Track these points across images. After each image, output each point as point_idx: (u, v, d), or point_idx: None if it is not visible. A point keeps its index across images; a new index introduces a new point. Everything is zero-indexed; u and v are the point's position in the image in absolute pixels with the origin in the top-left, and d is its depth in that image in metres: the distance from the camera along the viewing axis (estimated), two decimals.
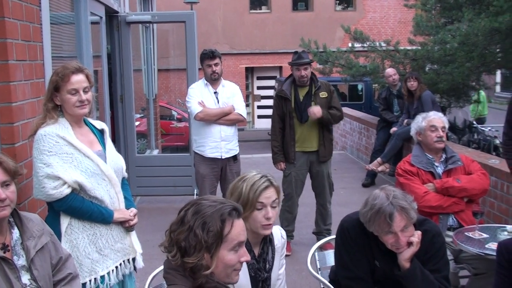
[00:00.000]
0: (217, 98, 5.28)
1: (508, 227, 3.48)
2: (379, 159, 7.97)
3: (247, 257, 1.92)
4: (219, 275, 1.87)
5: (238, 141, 5.47)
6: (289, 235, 5.46)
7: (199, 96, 5.26)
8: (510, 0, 7.63)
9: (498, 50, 9.07)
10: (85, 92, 2.82)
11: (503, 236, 3.36)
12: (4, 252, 2.18)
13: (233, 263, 1.87)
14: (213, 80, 5.26)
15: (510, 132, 4.09)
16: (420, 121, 4.00)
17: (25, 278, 2.23)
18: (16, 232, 2.28)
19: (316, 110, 5.15)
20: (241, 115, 5.30)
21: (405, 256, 2.59)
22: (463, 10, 8.60)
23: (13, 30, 3.13)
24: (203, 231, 1.80)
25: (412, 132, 4.07)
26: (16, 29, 3.17)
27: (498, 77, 21.95)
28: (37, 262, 2.27)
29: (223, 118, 5.23)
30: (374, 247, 2.69)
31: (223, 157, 5.27)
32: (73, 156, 2.74)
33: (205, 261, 1.81)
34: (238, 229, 1.87)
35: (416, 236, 2.60)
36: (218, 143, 5.25)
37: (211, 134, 5.24)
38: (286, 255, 5.32)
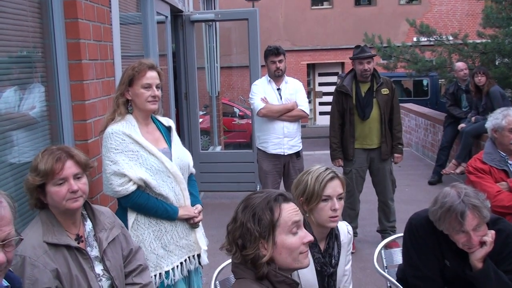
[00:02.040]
0: (280, 94, 5.28)
1: None
2: (454, 160, 7.71)
3: (310, 237, 1.91)
4: (285, 261, 1.87)
5: (301, 137, 5.45)
6: (353, 232, 5.39)
7: (262, 92, 5.28)
8: None
9: None
10: (157, 88, 2.91)
11: None
12: (78, 243, 2.27)
13: (296, 245, 1.87)
14: (276, 76, 5.27)
15: None
16: (500, 118, 3.75)
17: (98, 268, 2.31)
18: (89, 224, 2.37)
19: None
20: (303, 111, 5.28)
21: (477, 256, 2.50)
22: None
23: (86, 30, 3.25)
24: (254, 223, 1.83)
25: (488, 126, 3.87)
26: (88, 30, 3.30)
27: None
28: (109, 253, 2.35)
29: (285, 114, 5.22)
30: (444, 246, 2.61)
31: (285, 154, 5.27)
32: (139, 154, 2.81)
33: (263, 250, 1.83)
34: (288, 211, 1.88)
35: (490, 236, 2.50)
36: (281, 139, 5.25)
37: (274, 131, 5.24)
38: (351, 252, 5.27)
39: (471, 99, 7.70)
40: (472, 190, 2.53)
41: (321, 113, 21.78)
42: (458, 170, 7.60)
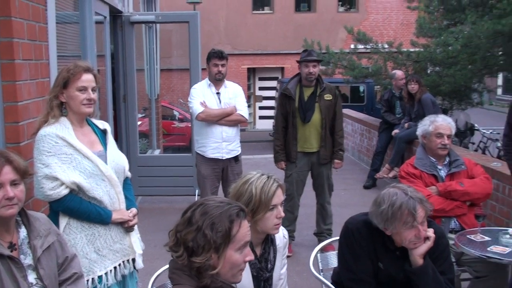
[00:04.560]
0: (219, 98, 5.29)
1: (510, 230, 3.48)
2: (387, 165, 7.98)
3: (251, 256, 1.95)
4: (225, 275, 1.88)
5: (240, 141, 5.48)
6: (290, 236, 5.47)
7: (201, 96, 5.27)
8: None
9: (500, 52, 9.08)
10: (93, 91, 2.85)
11: (505, 239, 3.38)
12: (11, 251, 2.19)
13: (239, 262, 1.90)
14: (217, 80, 5.27)
15: (511, 134, 4.11)
16: (427, 125, 3.96)
17: (31, 277, 2.24)
18: (23, 231, 2.29)
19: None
20: (243, 116, 5.31)
21: (420, 251, 2.62)
22: (466, 13, 8.61)
23: (20, 29, 3.15)
24: (212, 231, 1.82)
25: (418, 133, 4.05)
26: (23, 29, 3.19)
27: (500, 79, 21.93)
28: (44, 261, 2.28)
29: (224, 118, 5.23)
30: (379, 248, 2.71)
31: (224, 158, 5.28)
32: (72, 157, 2.74)
33: (212, 261, 1.83)
34: (245, 230, 1.90)
35: (431, 232, 2.64)
36: (220, 143, 5.26)
37: (213, 135, 5.24)
38: (288, 256, 5.33)
39: (404, 106, 7.99)
40: (412, 187, 2.68)
41: (261, 117, 21.93)
42: (391, 175, 7.87)
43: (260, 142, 16.99)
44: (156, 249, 4.11)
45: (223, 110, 5.25)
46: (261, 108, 22.15)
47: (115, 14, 6.74)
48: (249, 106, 22.12)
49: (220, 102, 5.28)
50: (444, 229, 3.69)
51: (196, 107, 5.21)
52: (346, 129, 11.46)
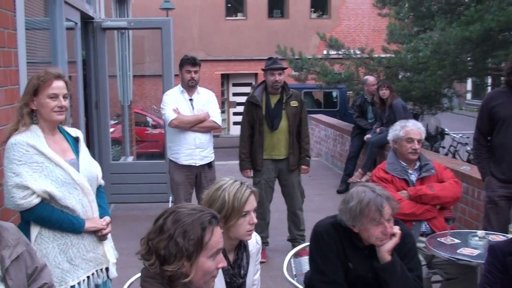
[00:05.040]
0: (192, 105, 5.28)
1: (479, 232, 3.56)
2: (360, 170, 8.06)
3: (224, 263, 1.95)
4: (197, 282, 1.88)
5: (213, 148, 5.47)
6: (264, 242, 5.48)
7: (174, 103, 5.25)
8: (480, 10, 7.82)
9: (469, 58, 9.28)
10: (64, 98, 2.82)
11: (474, 241, 3.44)
12: None
13: (212, 270, 1.89)
14: (189, 87, 5.26)
15: (480, 138, 4.22)
16: (398, 130, 4.02)
17: None
18: None
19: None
20: (215, 122, 5.30)
21: (387, 248, 2.68)
22: (436, 19, 8.79)
23: None
24: (184, 239, 1.80)
25: (389, 138, 4.11)
26: None
27: (469, 85, 22.38)
28: (12, 272, 2.24)
29: (197, 125, 5.22)
30: (348, 248, 2.76)
31: (197, 164, 5.27)
32: (44, 165, 2.71)
33: (184, 269, 1.82)
34: (217, 237, 1.89)
35: (397, 229, 2.70)
36: (193, 150, 5.25)
37: (186, 141, 5.23)
38: (261, 262, 5.32)
39: (376, 111, 8.10)
40: (380, 187, 2.77)
41: (235, 123, 21.92)
42: (363, 179, 7.95)
43: (234, 148, 16.93)
44: (130, 257, 4.05)
45: (196, 116, 5.24)
46: (235, 114, 22.18)
47: (86, 20, 6.68)
48: (223, 112, 22.15)
49: (193, 108, 5.27)
50: (415, 233, 3.77)
51: (169, 114, 5.19)
52: (320, 135, 11.54)
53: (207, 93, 5.44)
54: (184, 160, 5.25)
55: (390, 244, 2.69)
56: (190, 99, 5.29)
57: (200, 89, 5.38)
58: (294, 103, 5.37)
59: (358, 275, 2.76)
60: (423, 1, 9.74)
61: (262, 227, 5.46)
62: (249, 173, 5.42)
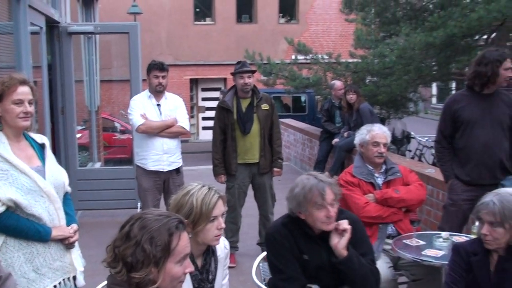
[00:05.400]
0: (159, 110, 5.26)
1: (443, 234, 3.64)
2: (327, 173, 8.12)
3: (191, 267, 1.95)
4: None
5: (183, 153, 5.45)
6: (234, 246, 5.49)
7: (141, 108, 5.22)
8: (443, 16, 8.01)
9: (433, 63, 9.48)
10: (30, 104, 2.77)
11: (439, 242, 3.53)
12: None
13: (179, 275, 1.89)
14: (157, 92, 5.24)
15: (443, 140, 4.31)
16: (364, 134, 4.07)
17: None
18: None
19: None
20: (183, 127, 5.29)
21: (342, 245, 2.80)
22: (401, 25, 8.96)
23: None
24: (151, 246, 1.80)
25: (356, 142, 4.17)
26: None
27: (434, 89, 22.82)
28: None
29: (165, 130, 5.20)
30: (300, 241, 2.87)
31: (165, 170, 5.24)
32: (8, 173, 2.65)
33: (152, 276, 1.81)
34: (184, 242, 1.89)
35: (346, 223, 2.82)
36: (161, 155, 5.22)
37: (153, 147, 5.20)
38: (231, 267, 5.33)
39: (343, 115, 8.21)
40: (324, 175, 2.94)
41: (204, 128, 21.89)
42: None
43: (203, 153, 16.91)
44: (97, 264, 4.01)
45: (164, 122, 5.22)
46: (204, 118, 22.11)
47: (52, 24, 6.58)
48: (192, 117, 22.08)
49: (160, 114, 5.25)
50: (381, 235, 3.83)
51: (136, 119, 5.16)
52: (289, 139, 11.61)
53: (175, 98, 5.42)
54: (151, 165, 5.22)
55: (344, 240, 2.80)
56: (158, 104, 5.26)
57: (168, 94, 5.36)
58: (265, 106, 5.39)
59: (315, 266, 2.86)
60: (389, 7, 9.92)
61: (233, 232, 5.47)
62: (223, 179, 5.42)
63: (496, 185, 4.02)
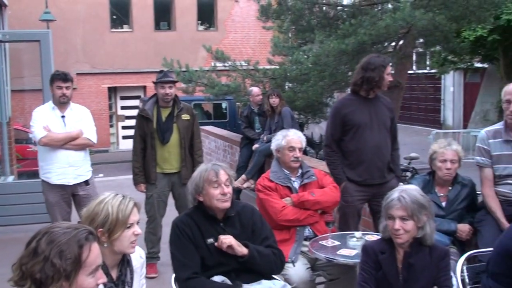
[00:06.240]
0: (64, 122, 5.09)
1: (356, 233, 3.80)
2: (243, 176, 8.22)
3: (104, 278, 1.94)
4: None
5: (102, 163, 5.35)
6: (155, 257, 5.44)
7: (44, 120, 5.03)
8: (354, 24, 8.33)
9: (347, 69, 9.81)
10: None
11: (353, 242, 3.68)
12: None
13: (92, 286, 1.87)
14: (61, 103, 5.06)
15: (333, 144, 4.46)
16: (280, 139, 4.18)
17: None
18: None
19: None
20: (89, 139, 5.14)
21: (236, 249, 3.05)
22: (315, 32, 9.20)
23: None
24: (61, 259, 1.76)
25: (273, 148, 4.26)
26: None
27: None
28: None
29: (70, 143, 5.04)
30: (203, 226, 3.10)
31: (70, 184, 5.09)
32: None
33: None
34: (95, 253, 1.88)
35: (226, 239, 3.04)
36: (65, 168, 5.06)
37: (57, 160, 5.03)
38: (153, 277, 5.29)
39: (263, 121, 8.35)
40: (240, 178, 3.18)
41: (124, 137, 21.44)
42: (245, 185, 8.17)
43: (124, 162, 16.50)
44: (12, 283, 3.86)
45: (68, 134, 5.06)
46: (124, 127, 21.67)
47: None
48: (111, 126, 21.59)
49: (65, 125, 5.08)
50: (299, 238, 3.93)
51: (38, 132, 4.97)
52: (210, 146, 11.63)
53: (81, 110, 5.26)
54: (56, 179, 5.06)
55: (235, 245, 3.04)
56: (63, 116, 5.09)
57: (73, 105, 5.19)
58: (185, 117, 5.38)
59: (221, 252, 3.05)
60: (303, 15, 10.15)
61: (153, 242, 5.41)
62: (143, 187, 5.36)
63: (384, 184, 4.30)
